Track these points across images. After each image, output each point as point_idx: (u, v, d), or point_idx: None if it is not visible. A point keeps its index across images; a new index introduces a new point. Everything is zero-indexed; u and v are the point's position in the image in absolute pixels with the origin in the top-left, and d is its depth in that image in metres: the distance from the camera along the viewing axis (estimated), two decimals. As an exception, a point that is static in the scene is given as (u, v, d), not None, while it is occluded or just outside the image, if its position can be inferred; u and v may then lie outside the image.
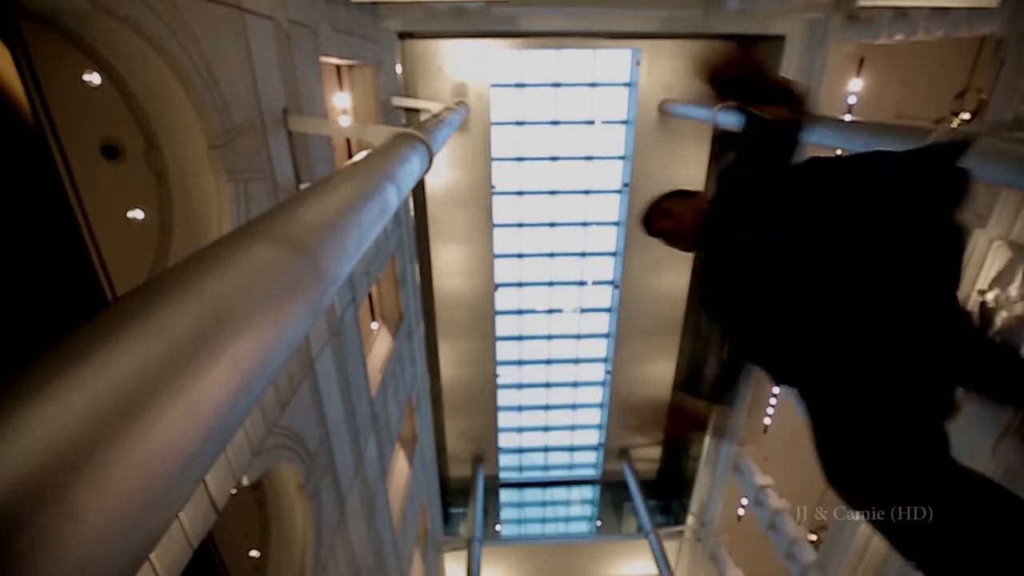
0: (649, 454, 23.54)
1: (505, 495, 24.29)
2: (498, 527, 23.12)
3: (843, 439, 1.61)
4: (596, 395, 22.72)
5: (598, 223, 19.25)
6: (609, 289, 20.24)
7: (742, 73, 2.32)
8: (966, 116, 11.26)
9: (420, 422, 15.99)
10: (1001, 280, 7.63)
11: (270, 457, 5.80)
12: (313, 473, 7.09)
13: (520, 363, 21.71)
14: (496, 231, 18.42)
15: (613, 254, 19.67)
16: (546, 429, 23.53)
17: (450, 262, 18.71)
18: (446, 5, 11.58)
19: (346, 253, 2.88)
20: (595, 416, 23.23)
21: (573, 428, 23.59)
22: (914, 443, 1.54)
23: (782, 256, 1.75)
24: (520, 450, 24.04)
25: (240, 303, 1.82)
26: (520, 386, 22.29)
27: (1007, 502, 1.48)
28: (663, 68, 16.31)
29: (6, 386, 1.26)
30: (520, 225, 19.02)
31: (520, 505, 24.41)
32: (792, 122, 2.22)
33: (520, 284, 20.06)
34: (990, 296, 7.74)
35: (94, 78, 4.35)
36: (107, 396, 1.31)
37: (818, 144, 10.27)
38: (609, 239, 19.53)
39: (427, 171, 6.23)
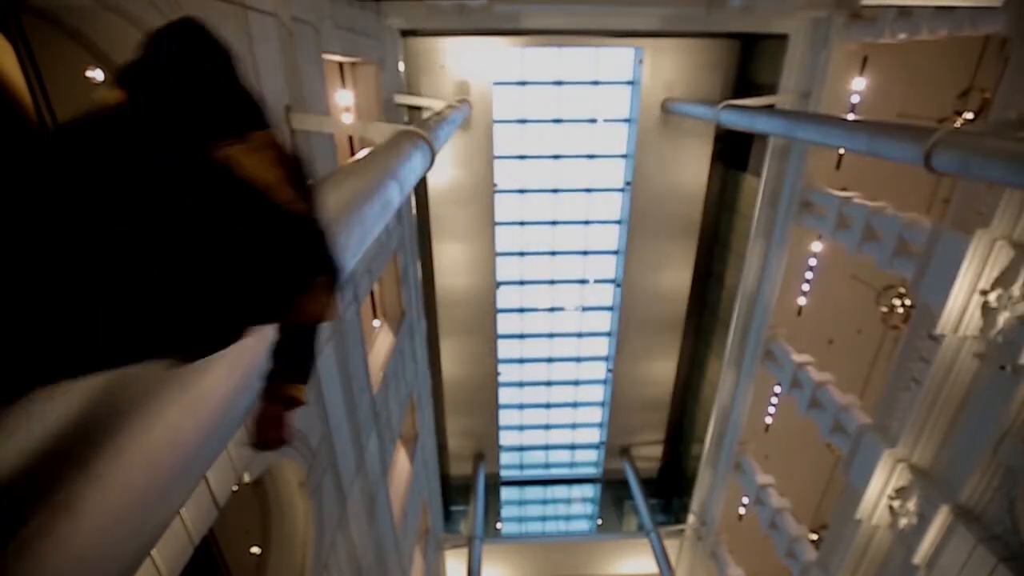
0: (650, 452, 23.56)
1: (506, 493, 24.32)
2: (499, 525, 23.15)
3: None
4: (597, 393, 22.73)
5: (600, 221, 19.24)
6: (611, 287, 20.24)
7: None
8: (969, 115, 11.23)
9: (421, 420, 16.01)
10: (1004, 280, 7.62)
11: (271, 454, 5.81)
12: (315, 470, 7.10)
13: (521, 361, 21.72)
14: (498, 229, 18.42)
15: (615, 252, 19.66)
16: (547, 427, 23.55)
17: (452, 260, 18.72)
18: (449, 3, 11.57)
19: (348, 250, 2.88)
20: (596, 414, 23.23)
21: (574, 426, 23.61)
22: None
23: None
24: (521, 448, 24.07)
25: (242, 300, 1.81)
26: (521, 384, 22.30)
27: None
28: (665, 66, 16.28)
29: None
30: (522, 223, 19.02)
31: (521, 503, 24.45)
32: None
33: (522, 282, 20.06)
34: (992, 296, 7.73)
35: (97, 74, 4.35)
36: (109, 393, 1.31)
37: (821, 144, 10.28)
38: (611, 237, 19.52)
39: (429, 169, 6.24)
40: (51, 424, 1.18)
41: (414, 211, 15.51)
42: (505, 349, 21.04)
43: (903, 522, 9.12)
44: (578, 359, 22.00)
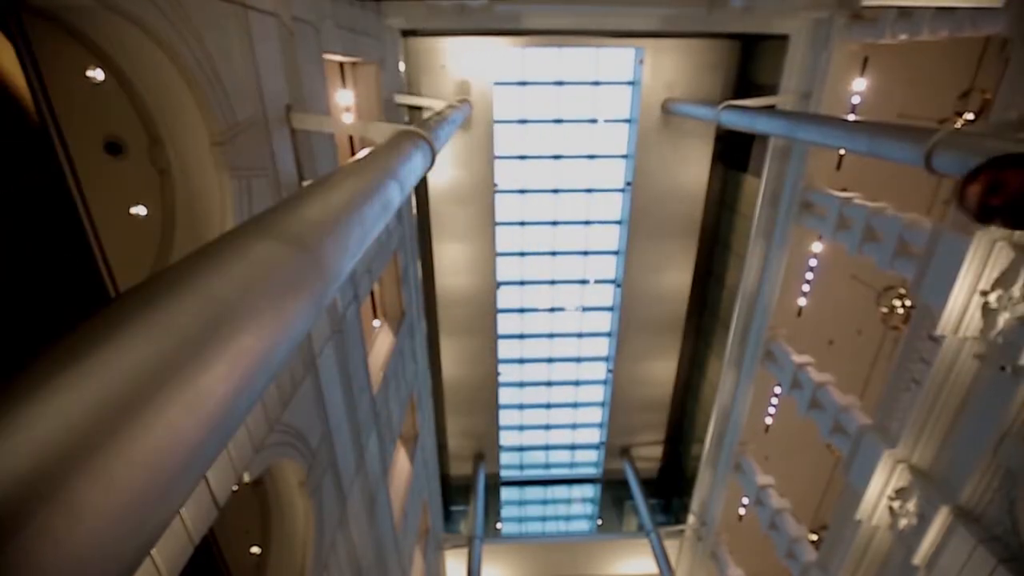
0: (650, 452, 23.56)
1: (506, 493, 24.32)
2: (499, 525, 23.15)
3: None
4: (597, 393, 22.72)
5: (600, 222, 19.24)
6: (611, 288, 20.24)
7: None
8: (970, 116, 11.23)
9: (421, 420, 16.01)
10: (1004, 281, 7.62)
11: (272, 454, 5.81)
12: (315, 470, 7.10)
13: (521, 361, 21.72)
14: (498, 229, 18.42)
15: (615, 253, 19.66)
16: (547, 427, 23.54)
17: (452, 260, 18.72)
18: (449, 3, 11.57)
19: (348, 250, 2.88)
20: (596, 415, 23.23)
21: (574, 427, 23.61)
22: None
23: None
24: (521, 448, 24.06)
25: (242, 300, 1.82)
26: (521, 384, 22.30)
27: None
28: (666, 67, 16.27)
29: (9, 382, 1.26)
30: (522, 223, 19.02)
31: (521, 503, 24.44)
32: None
33: (522, 282, 20.06)
34: (992, 297, 7.72)
35: (97, 74, 4.35)
36: (109, 392, 1.31)
37: (821, 145, 10.27)
38: (611, 238, 19.51)
39: (430, 169, 6.24)
40: (51, 424, 1.18)
41: (414, 211, 15.51)
42: (505, 349, 21.04)
43: (903, 523, 9.12)
44: (578, 359, 22.00)
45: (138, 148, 4.79)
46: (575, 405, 23.03)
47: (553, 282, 20.27)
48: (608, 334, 21.26)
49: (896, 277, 12.45)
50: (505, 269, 19.47)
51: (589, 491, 24.72)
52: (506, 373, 21.57)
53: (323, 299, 2.45)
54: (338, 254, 2.68)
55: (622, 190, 18.53)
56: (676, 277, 19.52)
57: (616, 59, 16.86)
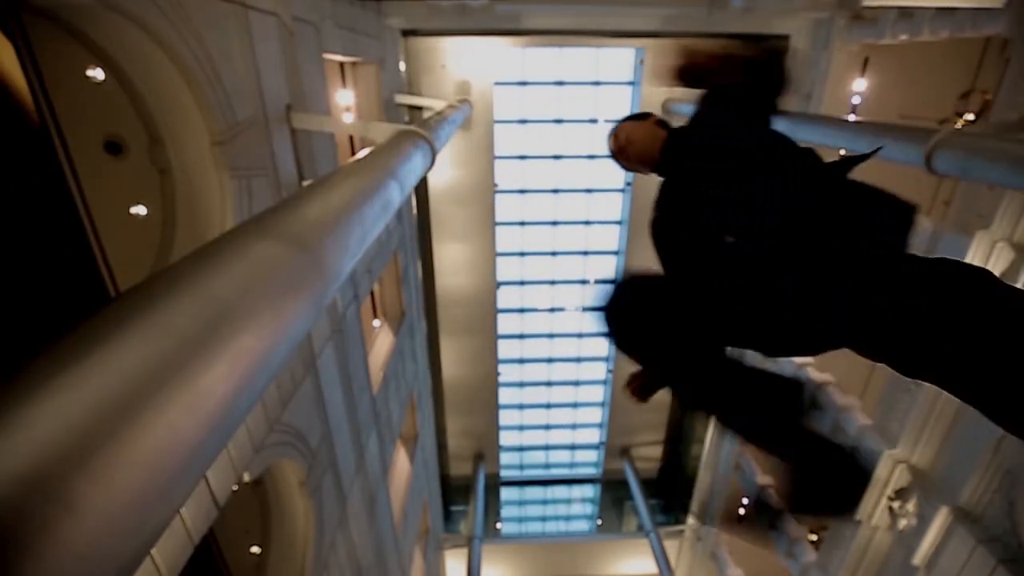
0: (650, 452, 23.55)
1: (506, 493, 24.31)
2: (499, 525, 23.14)
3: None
4: (597, 394, 22.72)
5: (600, 222, 19.24)
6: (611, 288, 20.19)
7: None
8: (970, 117, 11.23)
9: (421, 420, 16.01)
10: (1005, 279, 7.60)
11: (272, 454, 5.81)
12: (315, 470, 7.10)
13: (521, 361, 21.72)
14: (498, 229, 18.42)
15: (615, 253, 19.66)
16: (547, 427, 23.53)
17: (452, 260, 18.72)
18: (450, 3, 11.57)
19: (348, 250, 2.87)
20: (596, 415, 23.23)
21: (574, 427, 23.60)
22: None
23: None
24: (521, 448, 24.06)
25: (242, 300, 1.81)
26: (521, 384, 22.29)
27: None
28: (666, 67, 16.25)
29: (10, 381, 1.26)
30: (522, 223, 19.02)
31: (521, 503, 24.43)
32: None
33: (522, 282, 20.06)
34: (993, 297, 7.70)
35: (97, 73, 4.35)
36: (109, 392, 1.31)
37: (823, 145, 10.26)
38: (611, 238, 19.52)
39: (430, 169, 6.23)
40: (51, 424, 1.18)
41: (414, 211, 15.52)
42: (505, 349, 21.03)
43: (903, 523, 9.12)
44: (578, 359, 21.99)
45: (138, 148, 4.79)
46: (575, 405, 23.01)
47: (553, 282, 20.27)
48: (608, 334, 21.21)
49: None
50: (505, 269, 19.46)
51: (589, 491, 24.71)
52: (506, 373, 21.56)
53: (323, 299, 2.45)
54: (338, 254, 2.68)
55: (622, 190, 18.53)
56: (676, 277, 19.47)
57: (616, 59, 16.85)
